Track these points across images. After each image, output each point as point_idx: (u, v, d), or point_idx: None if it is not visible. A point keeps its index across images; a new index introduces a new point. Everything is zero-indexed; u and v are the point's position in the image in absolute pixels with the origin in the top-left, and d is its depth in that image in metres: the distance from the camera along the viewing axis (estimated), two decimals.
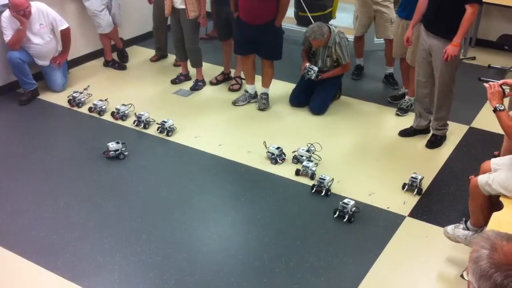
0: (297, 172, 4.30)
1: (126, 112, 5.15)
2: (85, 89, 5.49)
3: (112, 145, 4.50)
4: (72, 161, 4.55)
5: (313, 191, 4.09)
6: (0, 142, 4.87)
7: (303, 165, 4.29)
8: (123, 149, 4.53)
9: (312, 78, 5.22)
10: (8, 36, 5.23)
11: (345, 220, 3.78)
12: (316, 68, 5.22)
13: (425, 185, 4.18)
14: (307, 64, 5.26)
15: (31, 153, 4.67)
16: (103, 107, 5.23)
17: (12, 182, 4.26)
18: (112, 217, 3.87)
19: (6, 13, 5.19)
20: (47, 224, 3.79)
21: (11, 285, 3.31)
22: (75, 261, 3.46)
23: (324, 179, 4.07)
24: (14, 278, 3.36)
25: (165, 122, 4.88)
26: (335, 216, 3.83)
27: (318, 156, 4.49)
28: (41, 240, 3.64)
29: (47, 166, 4.48)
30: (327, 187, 4.05)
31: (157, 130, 4.92)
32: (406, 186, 4.09)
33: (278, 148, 4.47)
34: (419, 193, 4.04)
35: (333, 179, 4.11)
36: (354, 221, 3.79)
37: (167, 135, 4.87)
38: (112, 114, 5.16)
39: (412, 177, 4.08)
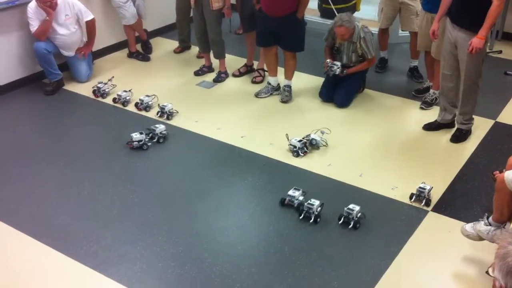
0: (282, 202, 3.89)
1: (150, 103, 5.18)
2: (109, 80, 5.54)
3: (136, 136, 4.54)
4: (95, 151, 4.60)
5: (300, 217, 3.76)
6: (26, 131, 4.95)
7: (288, 194, 3.85)
8: (147, 139, 4.56)
9: (337, 73, 5.17)
10: (34, 26, 5.29)
11: (350, 227, 3.63)
12: (338, 63, 5.17)
13: (449, 179, 4.14)
14: (328, 60, 5.22)
15: (55, 142, 4.74)
16: (127, 98, 5.28)
17: (37, 171, 4.33)
18: (134, 207, 3.90)
19: (33, 4, 5.25)
20: (70, 213, 3.85)
21: (36, 272, 3.37)
22: (98, 250, 3.50)
23: (313, 205, 3.72)
24: (38, 266, 3.41)
25: (165, 106, 5.00)
26: (340, 222, 3.68)
27: (325, 142, 4.52)
28: (65, 229, 3.69)
29: (71, 155, 4.54)
30: (316, 213, 3.74)
31: (157, 114, 5.04)
32: (414, 197, 3.88)
33: (300, 141, 4.45)
34: (427, 204, 3.82)
35: (322, 204, 3.78)
36: (359, 228, 3.64)
37: (167, 118, 4.96)
38: (136, 105, 5.20)
39: (420, 187, 3.86)
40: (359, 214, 3.67)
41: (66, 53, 5.61)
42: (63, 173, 4.30)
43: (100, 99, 5.40)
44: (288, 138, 4.52)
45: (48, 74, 5.55)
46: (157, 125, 4.69)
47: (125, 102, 5.26)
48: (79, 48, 5.68)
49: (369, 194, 4.01)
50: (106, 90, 5.42)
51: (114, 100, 5.32)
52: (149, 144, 4.57)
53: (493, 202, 3.30)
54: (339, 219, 3.70)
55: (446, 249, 3.49)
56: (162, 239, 3.59)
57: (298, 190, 3.90)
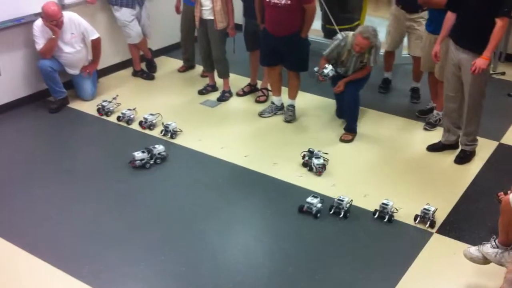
0: (300, 209, 4.01)
1: (154, 121, 5.19)
2: (114, 98, 5.55)
3: (138, 155, 4.53)
4: (99, 170, 4.59)
5: (331, 212, 3.97)
6: (30, 149, 4.95)
7: (306, 201, 3.97)
8: (149, 158, 4.56)
9: (331, 75, 4.96)
10: (40, 44, 5.32)
11: (385, 220, 3.88)
12: (329, 66, 4.96)
13: (453, 201, 4.13)
14: (316, 69, 5.02)
15: (59, 160, 4.73)
16: (131, 116, 5.29)
17: (41, 189, 4.32)
18: (138, 226, 3.88)
19: (38, 22, 5.28)
20: (73, 232, 3.83)
21: None
22: (101, 269, 3.48)
23: (342, 201, 3.96)
24: (41, 285, 3.39)
25: (169, 124, 5.02)
26: (375, 217, 3.92)
27: (325, 159, 4.55)
28: (68, 248, 3.68)
29: (75, 174, 4.53)
30: (346, 208, 3.95)
31: (161, 132, 5.04)
32: (418, 218, 3.88)
33: (317, 157, 4.51)
34: (431, 226, 3.83)
35: (351, 200, 4.01)
36: (393, 222, 3.90)
37: (171, 137, 4.96)
38: (140, 123, 5.21)
39: (424, 209, 3.87)
40: (392, 209, 3.91)
41: (71, 71, 5.63)
42: (67, 191, 4.29)
43: (104, 117, 5.41)
44: (305, 157, 4.56)
45: (53, 92, 5.57)
46: (156, 146, 4.64)
47: (129, 121, 5.27)
48: (84, 66, 5.71)
49: None
50: (111, 108, 5.44)
51: (118, 118, 5.33)
52: (152, 162, 4.57)
53: (498, 224, 3.28)
54: (374, 214, 3.94)
55: (451, 271, 3.46)
56: (165, 259, 3.57)
57: (316, 197, 3.99)
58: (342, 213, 3.94)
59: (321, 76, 4.98)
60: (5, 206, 4.11)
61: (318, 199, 3.99)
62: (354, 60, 4.98)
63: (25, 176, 4.48)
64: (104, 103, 5.45)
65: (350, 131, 5.10)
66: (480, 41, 4.12)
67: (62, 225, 3.91)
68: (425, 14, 5.28)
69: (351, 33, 4.94)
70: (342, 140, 5.03)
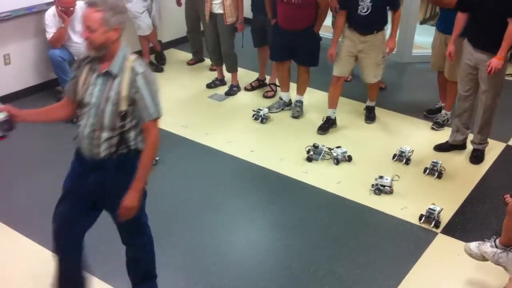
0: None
1: None
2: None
3: None
4: None
5: (394, 159, 4.57)
6: (37, 138, 4.95)
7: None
8: None
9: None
10: (50, 33, 5.32)
11: (435, 177, 4.39)
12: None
13: (459, 201, 4.13)
14: None
15: (66, 150, 4.68)
16: None
17: (47, 178, 4.30)
18: None
19: (50, 11, 5.29)
20: None
21: (45, 280, 3.36)
22: (106, 260, 3.51)
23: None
24: (47, 273, 3.40)
25: None
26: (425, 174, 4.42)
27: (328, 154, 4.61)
28: None
29: None
30: (408, 156, 4.56)
31: None
32: (423, 218, 3.87)
33: (386, 178, 4.24)
34: (436, 226, 3.82)
35: (413, 150, 4.60)
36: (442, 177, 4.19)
37: None
38: None
39: (429, 209, 3.86)
40: (441, 167, 4.41)
41: None
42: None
43: None
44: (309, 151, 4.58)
45: (62, 82, 5.57)
46: (261, 108, 5.20)
47: None
48: None
49: (379, 213, 4.00)
50: None
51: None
52: None
53: (503, 226, 3.28)
54: (425, 171, 4.47)
55: (454, 271, 3.47)
56: (170, 251, 3.58)
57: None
58: (404, 160, 4.55)
59: None
60: (13, 195, 4.13)
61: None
62: (98, 89, 2.65)
63: (31, 166, 4.51)
64: None
65: None
66: (498, 42, 4.12)
67: None
68: (378, 36, 4.85)
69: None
70: None
